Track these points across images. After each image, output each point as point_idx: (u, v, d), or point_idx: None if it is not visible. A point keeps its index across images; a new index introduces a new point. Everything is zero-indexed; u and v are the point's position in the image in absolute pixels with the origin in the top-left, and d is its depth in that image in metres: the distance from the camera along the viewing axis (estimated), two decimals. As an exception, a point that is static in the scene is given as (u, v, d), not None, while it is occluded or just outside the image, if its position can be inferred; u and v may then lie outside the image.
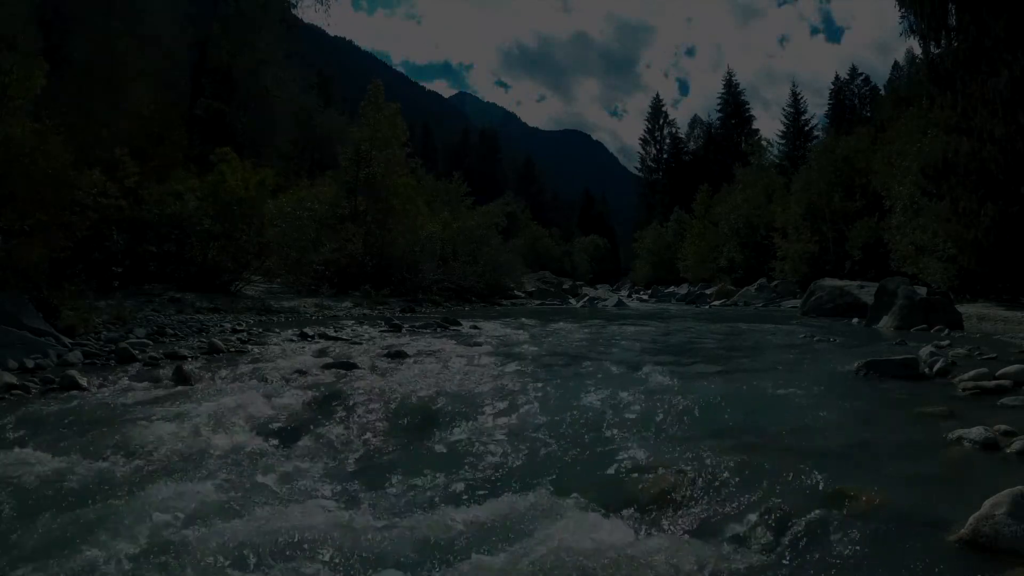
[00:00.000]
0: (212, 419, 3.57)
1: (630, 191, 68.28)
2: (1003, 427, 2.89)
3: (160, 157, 13.85)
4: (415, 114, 53.75)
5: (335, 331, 8.20)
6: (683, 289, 30.75)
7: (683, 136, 60.18)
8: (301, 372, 5.03)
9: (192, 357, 5.73)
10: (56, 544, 2.09)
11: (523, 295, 24.48)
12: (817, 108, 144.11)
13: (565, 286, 31.16)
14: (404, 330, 8.79)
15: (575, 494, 2.50)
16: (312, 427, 3.62)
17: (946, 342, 6.52)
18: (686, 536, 2.18)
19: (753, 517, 2.21)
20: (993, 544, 1.88)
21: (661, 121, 60.90)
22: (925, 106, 16.66)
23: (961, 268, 13.49)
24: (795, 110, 47.36)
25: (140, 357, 5.51)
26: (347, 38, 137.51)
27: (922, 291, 10.31)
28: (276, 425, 3.62)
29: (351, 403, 4.02)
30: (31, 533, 2.20)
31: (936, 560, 1.87)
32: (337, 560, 2.04)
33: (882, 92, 40.41)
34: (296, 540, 2.14)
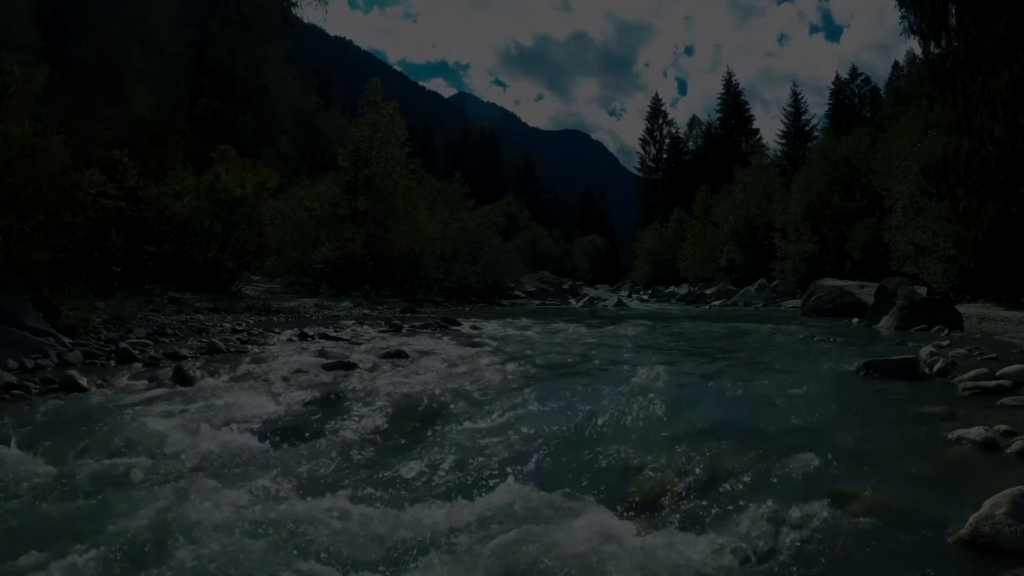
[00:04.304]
0: (212, 419, 3.58)
1: (630, 191, 68.20)
2: (1003, 427, 2.89)
3: (159, 158, 13.83)
4: (415, 114, 53.73)
5: (335, 331, 8.19)
6: (683, 289, 30.74)
7: (683, 136, 60.21)
8: (301, 372, 5.02)
9: (192, 357, 5.72)
10: (54, 545, 2.09)
11: (523, 295, 24.46)
12: (817, 108, 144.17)
13: (565, 286, 31.15)
14: (404, 330, 8.78)
15: (575, 493, 2.50)
16: (312, 427, 3.62)
17: (946, 342, 6.52)
18: (686, 535, 2.17)
19: (753, 517, 2.21)
20: (993, 544, 1.88)
21: (661, 121, 60.89)
22: (925, 106, 16.71)
23: (961, 268, 13.50)
24: (795, 110, 47.45)
25: (140, 357, 5.50)
26: (347, 38, 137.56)
27: (922, 291, 10.33)
28: (276, 425, 3.62)
29: (351, 403, 4.02)
30: (29, 533, 2.20)
31: (936, 560, 1.88)
32: (336, 558, 2.05)
33: (882, 92, 40.39)
34: (295, 539, 2.15)
